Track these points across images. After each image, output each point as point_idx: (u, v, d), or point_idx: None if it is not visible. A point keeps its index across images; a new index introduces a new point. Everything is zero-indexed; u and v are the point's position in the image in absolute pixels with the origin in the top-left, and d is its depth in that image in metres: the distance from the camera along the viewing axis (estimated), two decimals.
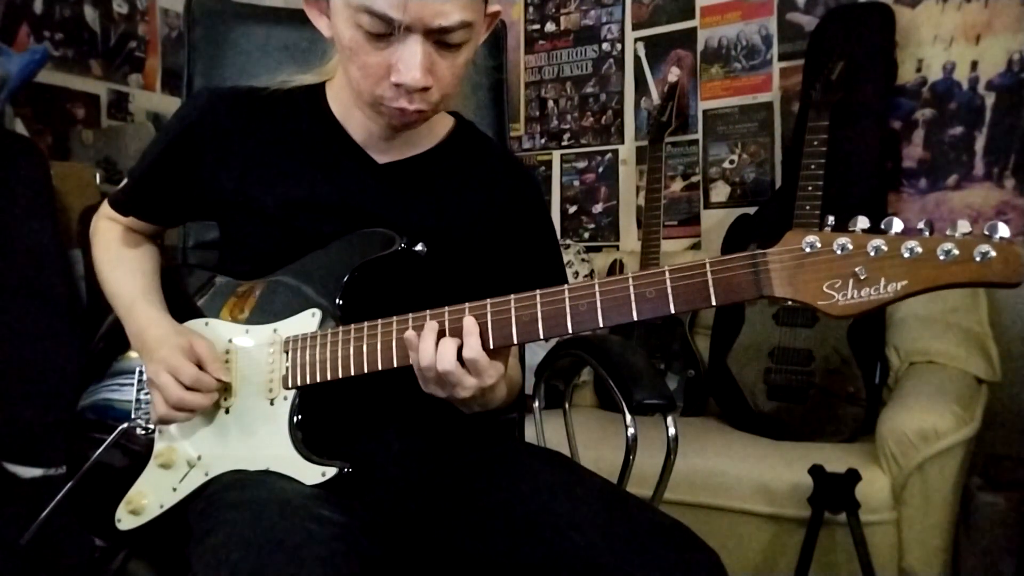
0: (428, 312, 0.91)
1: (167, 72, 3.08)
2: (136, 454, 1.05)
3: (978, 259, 0.70)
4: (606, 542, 0.85)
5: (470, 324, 0.88)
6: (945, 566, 1.82)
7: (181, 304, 1.09)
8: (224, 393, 1.01)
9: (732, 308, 2.31)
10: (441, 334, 0.89)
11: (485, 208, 1.11)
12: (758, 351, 2.23)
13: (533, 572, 0.88)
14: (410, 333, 0.90)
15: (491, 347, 0.88)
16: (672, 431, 1.16)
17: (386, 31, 0.89)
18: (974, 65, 2.45)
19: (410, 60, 0.90)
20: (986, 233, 0.71)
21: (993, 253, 0.70)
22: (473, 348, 0.87)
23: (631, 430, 1.20)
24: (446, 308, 0.91)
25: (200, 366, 0.99)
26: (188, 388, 0.97)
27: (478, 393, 0.90)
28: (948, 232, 0.72)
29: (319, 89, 1.11)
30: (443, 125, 1.14)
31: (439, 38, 0.91)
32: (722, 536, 1.87)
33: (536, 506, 0.91)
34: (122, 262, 1.14)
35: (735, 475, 1.93)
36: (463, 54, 0.95)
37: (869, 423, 1.99)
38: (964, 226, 0.71)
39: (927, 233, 0.73)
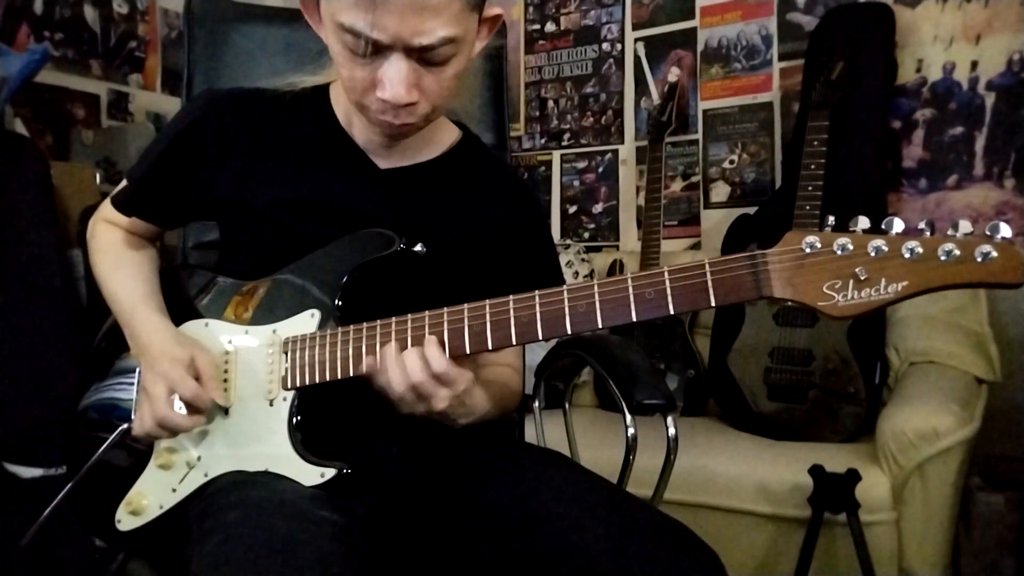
0: (428, 312, 0.91)
1: (167, 72, 3.08)
2: (136, 454, 1.05)
3: (979, 259, 0.70)
4: (606, 542, 0.85)
5: (430, 340, 0.90)
6: (945, 566, 1.82)
7: (182, 305, 1.09)
8: (224, 394, 1.01)
9: (732, 308, 2.31)
10: (401, 348, 0.91)
11: (484, 221, 1.11)
12: (758, 351, 2.23)
13: (533, 573, 0.88)
14: (369, 360, 0.91)
15: (467, 352, 0.90)
16: (672, 431, 1.16)
17: (368, 50, 0.89)
18: (974, 65, 2.45)
19: (393, 77, 0.90)
20: (987, 233, 0.70)
21: (994, 254, 0.69)
22: (437, 361, 0.88)
23: (631, 430, 1.19)
24: (444, 309, 0.91)
25: (200, 381, 0.98)
26: (186, 403, 0.97)
27: (456, 403, 0.91)
28: (949, 232, 0.72)
29: (324, 91, 1.11)
30: (448, 136, 1.14)
31: (422, 55, 0.90)
32: (722, 536, 1.87)
33: (536, 506, 0.91)
34: (121, 265, 1.13)
35: (735, 475, 1.93)
36: (451, 68, 0.93)
37: (869, 423, 1.99)
38: (965, 226, 0.71)
39: (928, 233, 0.72)
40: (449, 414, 0.93)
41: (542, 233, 1.20)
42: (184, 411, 0.97)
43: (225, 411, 1.01)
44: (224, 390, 1.01)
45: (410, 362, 0.89)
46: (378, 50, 0.89)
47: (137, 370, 1.08)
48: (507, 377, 1.12)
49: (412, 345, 0.91)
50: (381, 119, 0.95)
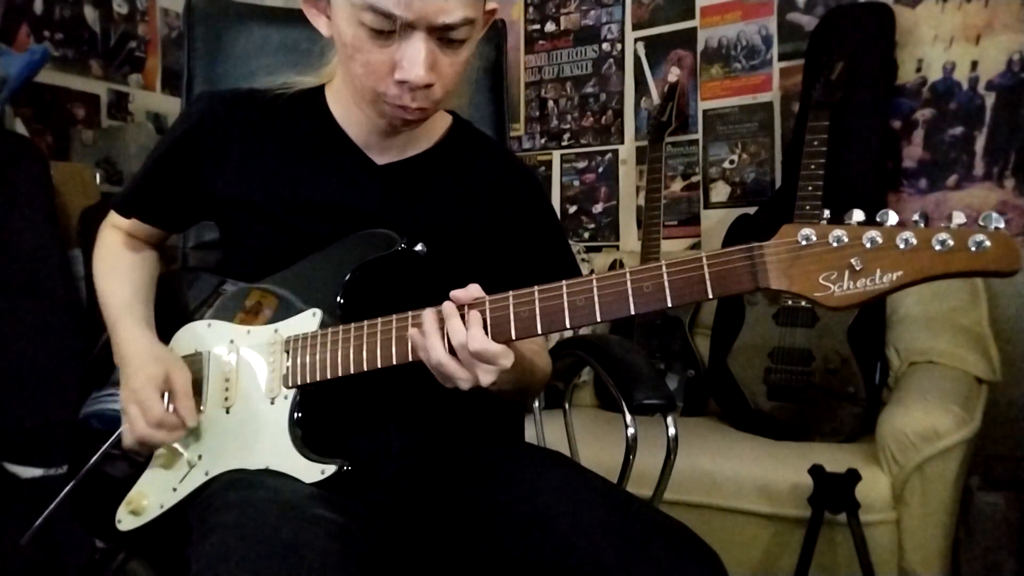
0: (429, 310, 0.91)
1: (167, 72, 3.08)
2: (137, 455, 1.05)
3: (973, 248, 0.70)
4: (606, 542, 0.85)
5: (474, 316, 0.88)
6: (945, 566, 1.81)
7: (185, 308, 1.09)
8: (225, 393, 1.01)
9: (732, 308, 2.31)
10: (442, 325, 0.89)
11: (486, 206, 1.11)
12: (758, 351, 2.23)
13: (533, 572, 0.88)
14: (413, 332, 0.90)
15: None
16: (672, 431, 1.16)
17: (389, 28, 0.89)
18: (974, 65, 2.45)
19: (414, 57, 0.91)
20: (981, 223, 0.71)
21: (988, 243, 0.70)
22: (477, 338, 0.87)
23: (631, 430, 1.20)
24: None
25: (172, 399, 0.99)
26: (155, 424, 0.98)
27: (502, 376, 0.89)
28: (943, 223, 0.72)
29: (319, 91, 1.11)
30: (441, 124, 1.14)
31: (442, 35, 0.91)
32: (722, 536, 1.86)
33: (536, 506, 0.91)
34: (115, 271, 1.14)
35: (735, 475, 1.93)
36: (464, 51, 0.95)
37: (869, 423, 1.99)
38: (959, 217, 0.72)
39: (922, 224, 0.73)
40: (504, 388, 0.93)
41: (545, 208, 1.20)
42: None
43: (226, 410, 1.01)
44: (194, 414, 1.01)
45: (452, 327, 0.88)
46: (398, 29, 0.89)
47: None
48: (541, 345, 1.12)
49: None
50: (397, 105, 0.95)
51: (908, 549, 1.77)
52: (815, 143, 2.25)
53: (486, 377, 0.88)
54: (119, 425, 1.07)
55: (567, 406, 1.48)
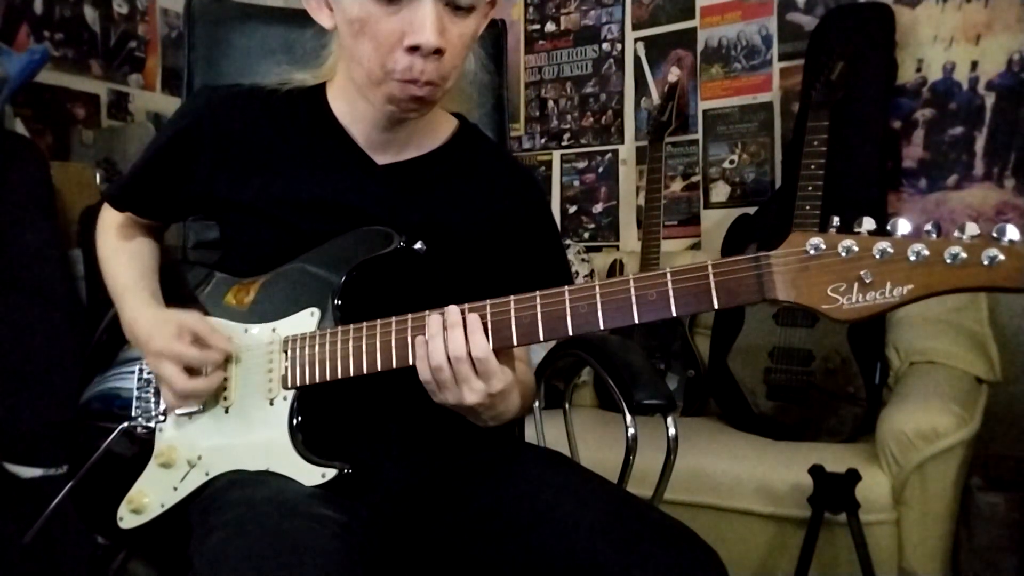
0: (428, 312, 0.91)
1: (167, 72, 3.08)
2: (137, 453, 1.05)
3: (986, 263, 0.68)
4: (607, 542, 0.85)
5: (473, 321, 0.88)
6: (945, 566, 1.82)
7: (182, 300, 1.09)
8: (224, 392, 1.01)
9: (733, 308, 2.31)
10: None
11: (486, 211, 1.11)
12: (758, 351, 2.23)
13: (534, 572, 0.88)
14: (419, 340, 0.90)
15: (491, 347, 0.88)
16: (672, 431, 1.16)
17: None
18: (974, 65, 2.45)
19: (423, 21, 0.90)
20: (994, 236, 0.69)
21: (1002, 257, 0.68)
22: (480, 346, 0.87)
23: (631, 430, 1.19)
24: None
25: (198, 342, 0.99)
26: (195, 370, 0.98)
27: (486, 400, 0.89)
28: (955, 235, 0.70)
29: (320, 89, 1.10)
30: (446, 127, 1.14)
31: (449, 0, 0.91)
32: (722, 536, 1.86)
33: (537, 507, 0.91)
34: (119, 252, 1.14)
35: (735, 475, 1.93)
36: (471, 21, 0.95)
37: (869, 423, 1.99)
38: (972, 229, 0.69)
39: (934, 236, 0.71)
40: (479, 412, 0.92)
41: (545, 218, 1.19)
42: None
43: (226, 410, 1.01)
44: (226, 383, 1.01)
45: (453, 337, 0.88)
46: None
47: (140, 360, 1.09)
48: (527, 376, 1.11)
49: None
50: (406, 80, 0.94)
51: (908, 549, 1.78)
52: (815, 143, 2.25)
53: (471, 396, 0.88)
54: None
55: (567, 406, 1.48)
